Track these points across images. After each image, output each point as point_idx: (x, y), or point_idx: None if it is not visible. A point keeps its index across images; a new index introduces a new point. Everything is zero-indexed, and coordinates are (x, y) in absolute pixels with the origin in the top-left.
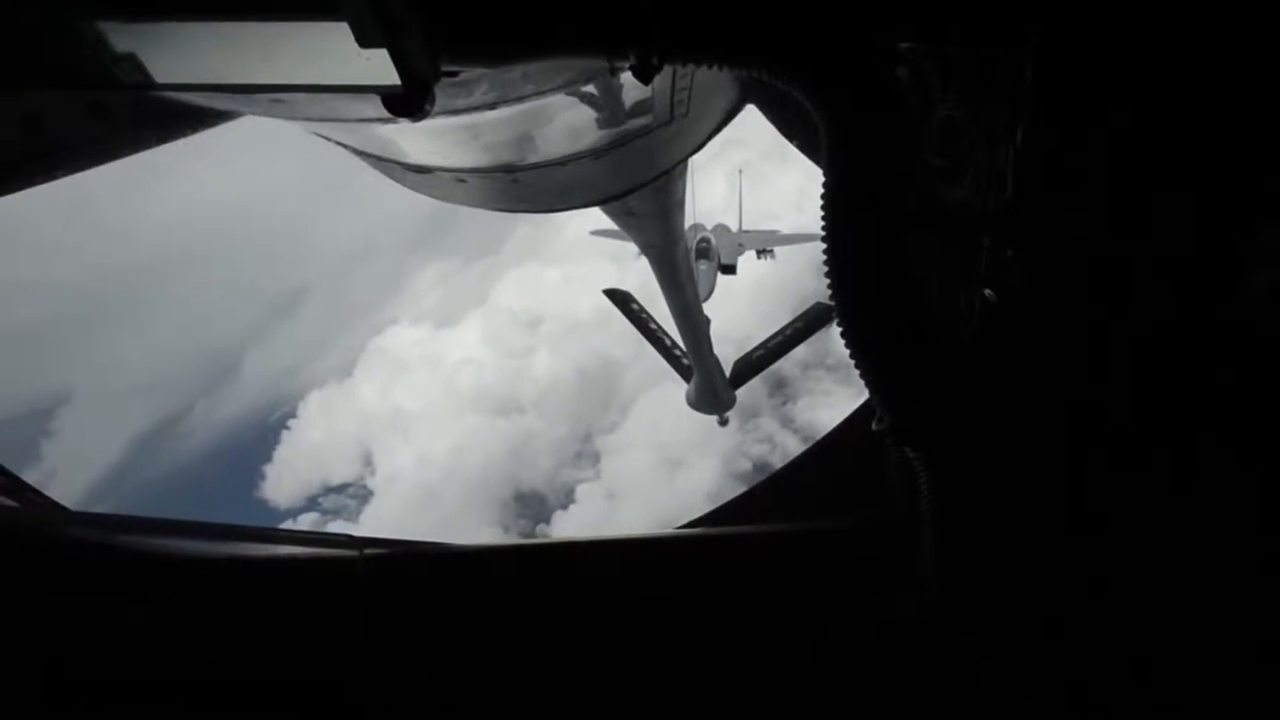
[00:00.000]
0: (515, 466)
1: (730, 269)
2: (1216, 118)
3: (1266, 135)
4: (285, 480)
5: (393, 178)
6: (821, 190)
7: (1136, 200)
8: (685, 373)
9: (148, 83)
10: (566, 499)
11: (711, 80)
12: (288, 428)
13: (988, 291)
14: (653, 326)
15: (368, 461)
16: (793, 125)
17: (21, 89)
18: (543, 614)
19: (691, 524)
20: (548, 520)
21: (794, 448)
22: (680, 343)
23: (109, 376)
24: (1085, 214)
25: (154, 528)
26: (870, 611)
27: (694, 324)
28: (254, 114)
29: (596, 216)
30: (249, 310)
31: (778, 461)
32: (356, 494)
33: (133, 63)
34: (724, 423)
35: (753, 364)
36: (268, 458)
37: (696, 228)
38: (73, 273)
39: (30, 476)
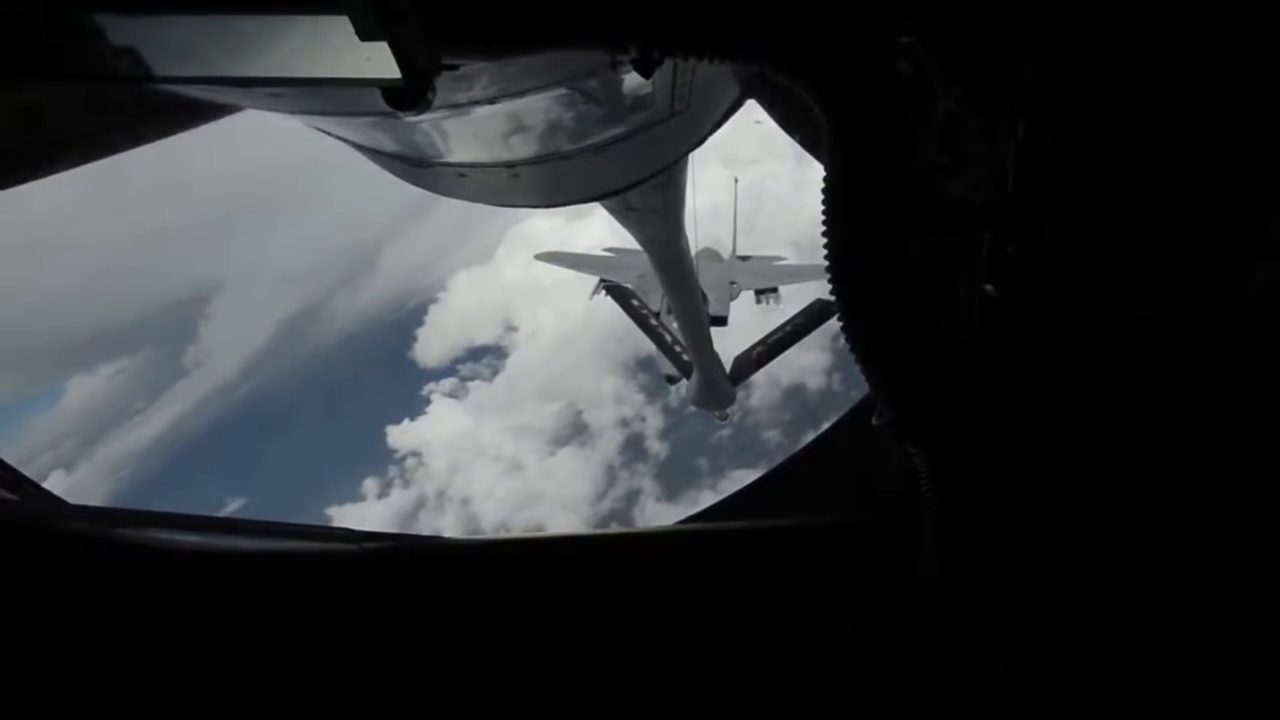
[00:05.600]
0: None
1: (720, 320)
2: (1218, 114)
3: (1268, 133)
4: (433, 345)
5: (392, 172)
6: (823, 186)
7: (1138, 197)
8: (686, 369)
9: (147, 75)
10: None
11: (713, 75)
12: (435, 301)
13: (989, 287)
14: (653, 323)
15: (509, 326)
16: (794, 120)
17: (21, 81)
18: (541, 608)
19: (691, 519)
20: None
21: None
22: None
23: (258, 267)
24: (1086, 210)
25: (152, 521)
26: (870, 611)
27: (695, 320)
28: (254, 108)
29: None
30: (385, 210)
31: None
32: (491, 363)
33: (132, 56)
34: (724, 419)
35: (753, 361)
36: (410, 335)
37: None
38: (225, 172)
39: (189, 356)
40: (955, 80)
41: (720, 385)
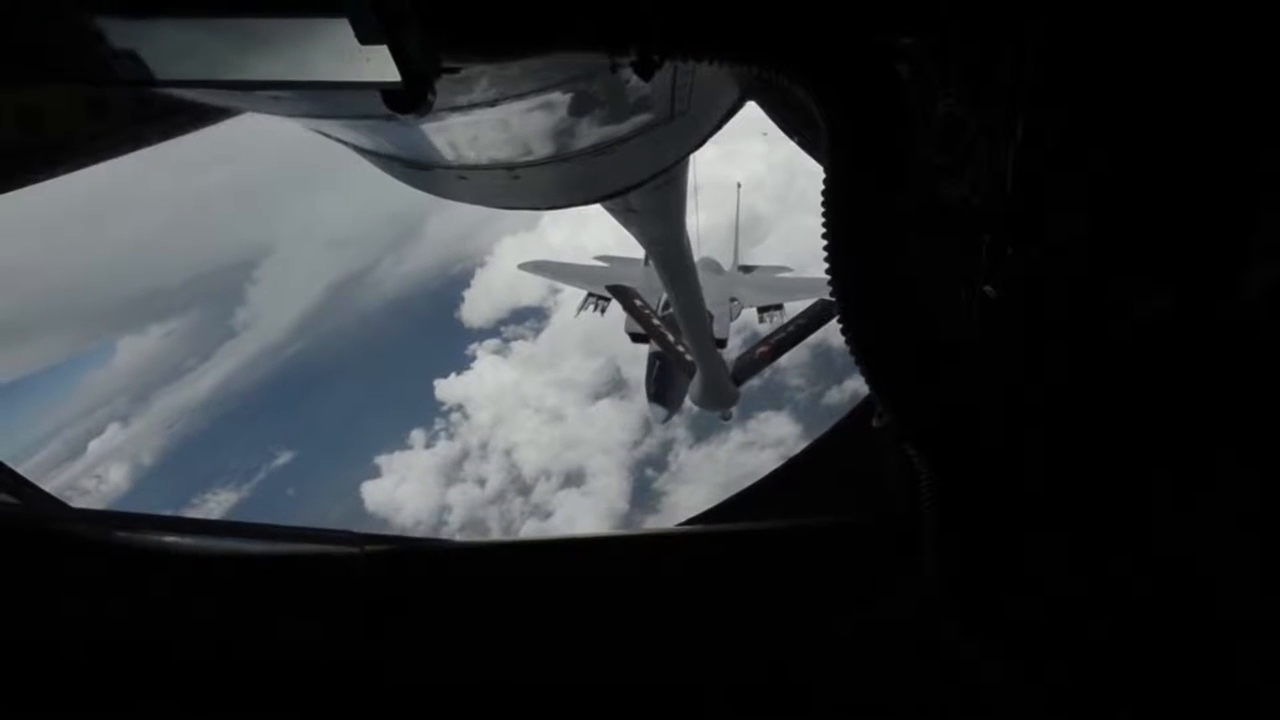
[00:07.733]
0: None
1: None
2: (1217, 115)
3: (1267, 133)
4: (479, 307)
5: (392, 174)
6: (822, 188)
7: (1138, 197)
8: (689, 369)
9: (148, 79)
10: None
11: (712, 77)
12: (482, 265)
13: (988, 288)
14: (655, 322)
15: (553, 288)
16: (794, 122)
17: (23, 84)
18: (542, 610)
19: (692, 520)
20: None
21: None
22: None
23: (305, 233)
24: (1086, 211)
25: (154, 524)
26: (870, 611)
27: (698, 320)
28: (254, 111)
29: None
30: None
31: None
32: (534, 325)
33: (133, 59)
34: (727, 418)
35: (755, 361)
36: (457, 298)
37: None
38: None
39: (238, 317)
40: (955, 80)
41: (723, 385)
